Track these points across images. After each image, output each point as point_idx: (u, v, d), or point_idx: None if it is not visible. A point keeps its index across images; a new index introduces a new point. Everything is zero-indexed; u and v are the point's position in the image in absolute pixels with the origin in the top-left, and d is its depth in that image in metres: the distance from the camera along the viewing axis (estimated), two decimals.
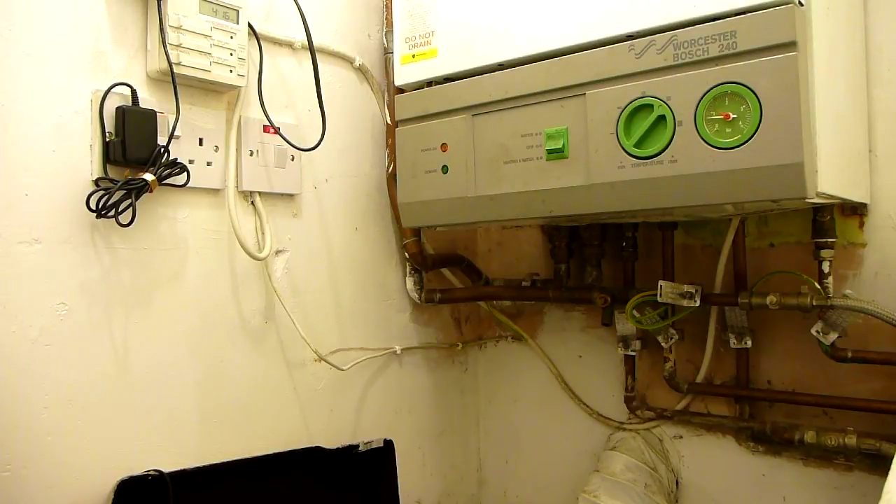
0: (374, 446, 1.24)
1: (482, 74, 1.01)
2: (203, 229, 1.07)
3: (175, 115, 0.98)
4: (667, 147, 0.85)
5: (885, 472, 0.84)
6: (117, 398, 0.96)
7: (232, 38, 1.04)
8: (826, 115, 0.84)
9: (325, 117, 1.16)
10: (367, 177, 1.33)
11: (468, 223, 1.09)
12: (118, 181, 0.93)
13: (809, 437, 1.10)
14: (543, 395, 1.48)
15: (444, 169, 1.06)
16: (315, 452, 1.17)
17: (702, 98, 0.82)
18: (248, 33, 1.08)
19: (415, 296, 1.38)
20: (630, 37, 0.88)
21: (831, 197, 0.89)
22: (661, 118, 0.85)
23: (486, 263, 1.55)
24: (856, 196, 1.02)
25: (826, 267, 1.06)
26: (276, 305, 1.16)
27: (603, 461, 1.30)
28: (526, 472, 1.52)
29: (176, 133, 0.99)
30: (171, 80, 0.97)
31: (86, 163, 0.93)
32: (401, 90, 1.14)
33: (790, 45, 0.77)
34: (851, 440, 1.07)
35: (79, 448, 0.92)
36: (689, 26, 0.83)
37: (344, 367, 1.25)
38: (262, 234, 1.13)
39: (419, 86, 1.11)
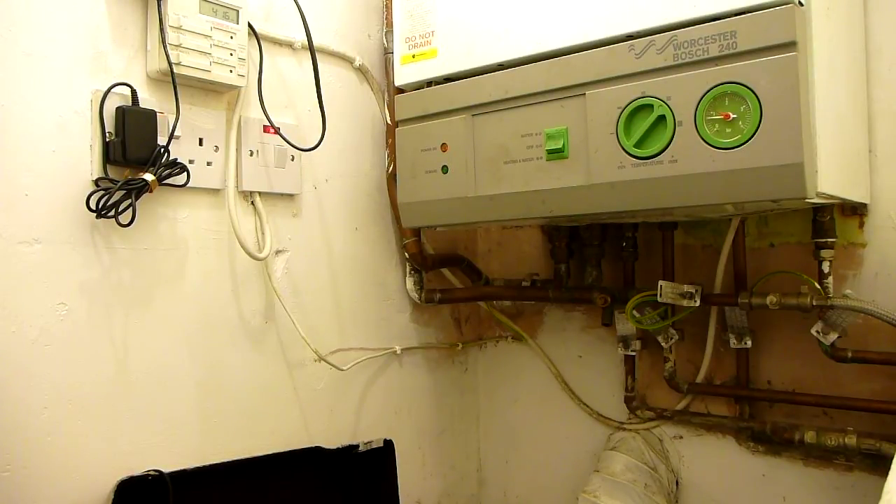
0: (374, 446, 1.24)
1: (482, 74, 1.01)
2: (203, 229, 1.07)
3: (175, 115, 0.98)
4: (667, 147, 0.85)
5: (885, 472, 0.84)
6: (117, 398, 0.96)
7: (232, 38, 1.04)
8: (826, 115, 0.84)
9: (325, 117, 1.16)
10: (367, 177, 1.33)
11: (468, 223, 1.09)
12: (118, 181, 0.93)
13: (809, 437, 1.10)
14: (543, 395, 1.48)
15: (444, 169, 1.06)
16: (315, 452, 1.17)
17: (702, 98, 0.82)
18: (248, 33, 1.08)
19: (415, 296, 1.38)
20: (630, 37, 0.88)
21: (831, 197, 0.89)
22: (661, 118, 0.85)
23: (486, 263, 1.55)
24: (856, 196, 1.02)
25: (826, 267, 1.06)
26: (276, 305, 1.16)
27: (603, 461, 1.30)
28: (526, 472, 1.52)
29: (176, 133, 0.99)
30: (171, 80, 0.97)
31: (86, 163, 0.93)
32: (401, 90, 1.14)
33: (790, 45, 0.77)
34: (851, 440, 1.07)
35: (79, 448, 0.92)
36: (689, 26, 0.83)
37: (344, 367, 1.25)
38: (262, 234, 1.13)
39: (419, 86, 1.11)
